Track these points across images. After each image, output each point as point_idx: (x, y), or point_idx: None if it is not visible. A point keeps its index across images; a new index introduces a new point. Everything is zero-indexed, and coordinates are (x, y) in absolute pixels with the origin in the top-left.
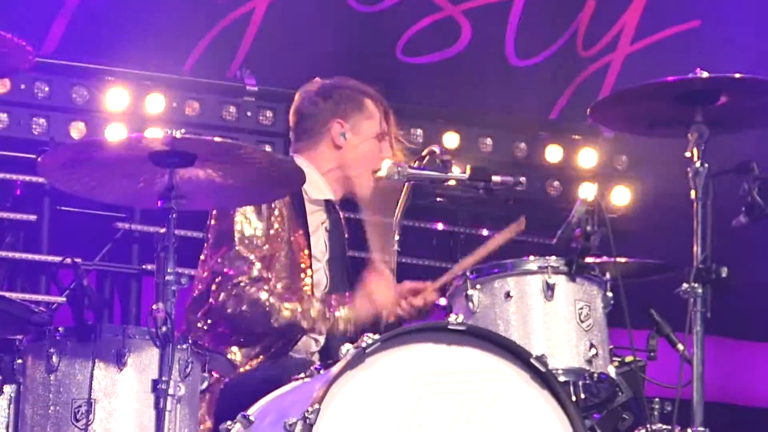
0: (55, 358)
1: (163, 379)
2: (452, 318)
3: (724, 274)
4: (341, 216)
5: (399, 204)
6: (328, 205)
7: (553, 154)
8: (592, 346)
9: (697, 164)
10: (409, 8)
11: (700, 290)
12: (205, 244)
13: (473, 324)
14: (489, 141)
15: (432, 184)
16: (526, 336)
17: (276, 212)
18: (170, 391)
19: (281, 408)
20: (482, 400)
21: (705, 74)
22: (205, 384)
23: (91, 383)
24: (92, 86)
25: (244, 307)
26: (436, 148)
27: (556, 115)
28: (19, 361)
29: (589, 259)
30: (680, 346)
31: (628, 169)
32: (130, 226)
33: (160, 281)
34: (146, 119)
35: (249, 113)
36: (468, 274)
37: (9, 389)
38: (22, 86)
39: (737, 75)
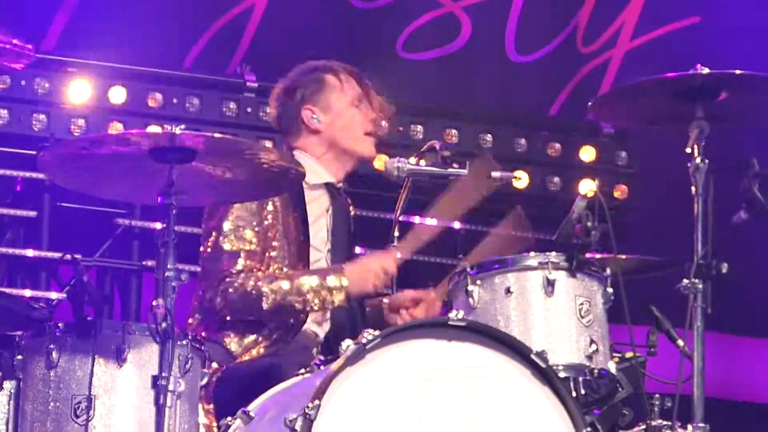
0: (55, 354)
1: (163, 375)
2: (452, 314)
3: (724, 270)
4: (348, 200)
5: (399, 200)
6: (330, 189)
7: (554, 150)
8: (592, 342)
9: (698, 160)
10: (409, 4)
11: (700, 286)
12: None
13: (473, 320)
14: (489, 137)
15: (432, 179)
16: (526, 332)
17: (269, 206)
18: (170, 387)
19: (281, 404)
20: (483, 396)
21: (705, 70)
22: (205, 380)
23: (91, 379)
24: (92, 82)
25: (233, 299)
26: (436, 144)
27: (557, 111)
28: (19, 357)
29: (589, 255)
30: (680, 342)
31: (628, 165)
32: (131, 222)
33: (160, 277)
34: (146, 115)
35: (249, 109)
36: (468, 269)
37: (9, 385)
38: (22, 82)
39: (738, 71)
